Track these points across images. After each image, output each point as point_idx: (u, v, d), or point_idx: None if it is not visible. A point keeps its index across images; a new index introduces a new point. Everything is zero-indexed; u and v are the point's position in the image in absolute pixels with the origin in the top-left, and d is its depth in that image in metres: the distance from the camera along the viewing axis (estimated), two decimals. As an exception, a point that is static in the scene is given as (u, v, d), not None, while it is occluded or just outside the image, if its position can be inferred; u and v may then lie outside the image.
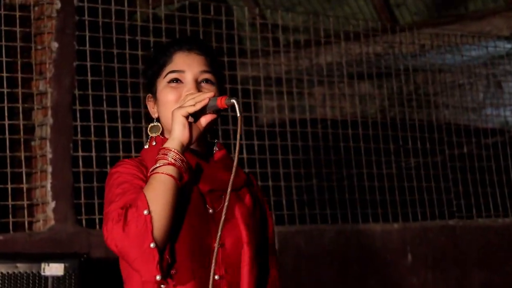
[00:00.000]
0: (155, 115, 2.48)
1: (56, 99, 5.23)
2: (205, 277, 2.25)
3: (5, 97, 5.11)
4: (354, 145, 6.31)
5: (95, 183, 5.19)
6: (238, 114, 2.22)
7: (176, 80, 2.40)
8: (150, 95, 2.50)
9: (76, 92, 5.25)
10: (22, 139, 5.15)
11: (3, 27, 5.18)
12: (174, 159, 2.22)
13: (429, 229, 6.25)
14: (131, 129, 5.41)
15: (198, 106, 2.26)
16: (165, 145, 2.25)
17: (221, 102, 2.27)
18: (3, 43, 5.17)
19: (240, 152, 5.73)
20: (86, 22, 5.39)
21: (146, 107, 2.54)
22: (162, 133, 2.44)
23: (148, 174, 2.24)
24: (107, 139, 5.31)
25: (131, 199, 2.20)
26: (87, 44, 5.35)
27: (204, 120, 2.31)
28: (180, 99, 2.35)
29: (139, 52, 5.50)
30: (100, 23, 5.45)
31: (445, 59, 6.97)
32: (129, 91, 5.45)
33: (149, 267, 2.15)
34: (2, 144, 5.11)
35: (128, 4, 5.63)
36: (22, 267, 4.26)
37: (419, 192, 6.46)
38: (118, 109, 5.37)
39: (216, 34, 5.93)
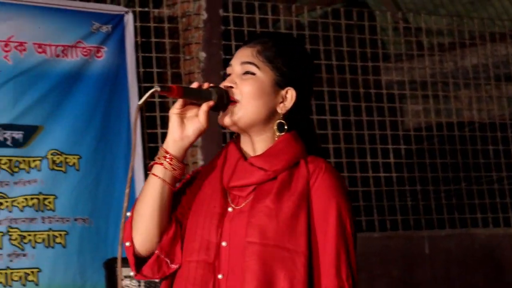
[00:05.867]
0: None
1: (206, 108, 5.33)
2: (207, 273, 2.16)
3: (157, 107, 5.23)
4: (503, 148, 6.30)
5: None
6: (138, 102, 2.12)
7: (229, 75, 2.29)
8: None
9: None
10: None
11: (153, 39, 5.33)
12: (158, 157, 2.19)
13: None
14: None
15: (180, 101, 2.19)
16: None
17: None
18: (154, 54, 5.32)
19: (387, 156, 5.82)
20: (232, 32, 5.51)
21: None
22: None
23: None
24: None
25: None
26: (233, 53, 5.40)
27: (200, 112, 2.18)
28: None
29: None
30: (245, 32, 5.55)
31: None
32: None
33: (131, 264, 2.21)
34: (155, 152, 5.08)
35: (271, 12, 5.75)
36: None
37: None
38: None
39: (359, 39, 6.00)
